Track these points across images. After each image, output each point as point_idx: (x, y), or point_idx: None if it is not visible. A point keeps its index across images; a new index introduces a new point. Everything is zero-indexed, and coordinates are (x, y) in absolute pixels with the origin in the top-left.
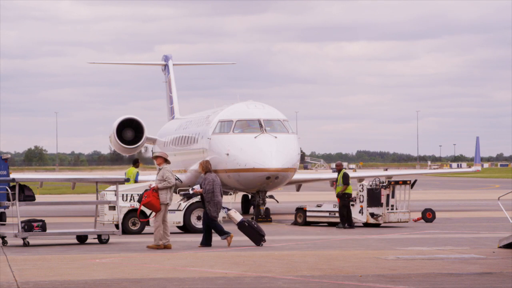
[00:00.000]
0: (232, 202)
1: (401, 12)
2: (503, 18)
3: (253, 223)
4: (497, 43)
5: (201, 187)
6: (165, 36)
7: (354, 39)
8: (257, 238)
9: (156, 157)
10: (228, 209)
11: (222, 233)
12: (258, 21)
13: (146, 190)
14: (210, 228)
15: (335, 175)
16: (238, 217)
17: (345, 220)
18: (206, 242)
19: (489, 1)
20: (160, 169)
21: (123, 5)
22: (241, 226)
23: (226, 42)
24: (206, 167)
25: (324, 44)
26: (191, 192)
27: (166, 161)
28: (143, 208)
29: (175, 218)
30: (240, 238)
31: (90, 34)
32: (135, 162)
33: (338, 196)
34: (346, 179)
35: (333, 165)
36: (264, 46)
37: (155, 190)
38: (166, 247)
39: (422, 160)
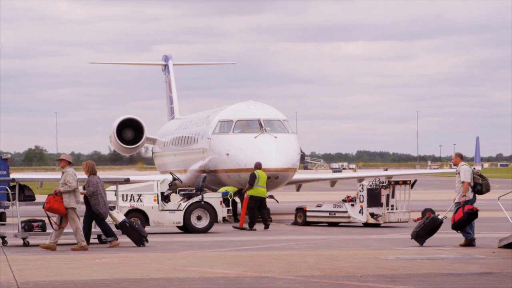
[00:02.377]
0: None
1: (400, 12)
2: (501, 18)
3: (134, 223)
4: (495, 43)
5: (84, 189)
6: (163, 36)
7: (352, 39)
8: (139, 238)
9: (60, 160)
10: (111, 209)
11: (109, 234)
12: (256, 21)
13: (49, 195)
14: (90, 227)
15: (335, 175)
16: (120, 217)
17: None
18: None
19: (487, 1)
20: (63, 173)
21: (121, 5)
22: (122, 226)
23: (224, 42)
24: (91, 169)
25: (323, 44)
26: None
27: (70, 164)
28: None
29: (175, 218)
30: (240, 238)
31: (88, 34)
32: None
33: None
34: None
35: (333, 165)
36: (262, 46)
37: (57, 194)
38: (83, 248)
39: (422, 160)
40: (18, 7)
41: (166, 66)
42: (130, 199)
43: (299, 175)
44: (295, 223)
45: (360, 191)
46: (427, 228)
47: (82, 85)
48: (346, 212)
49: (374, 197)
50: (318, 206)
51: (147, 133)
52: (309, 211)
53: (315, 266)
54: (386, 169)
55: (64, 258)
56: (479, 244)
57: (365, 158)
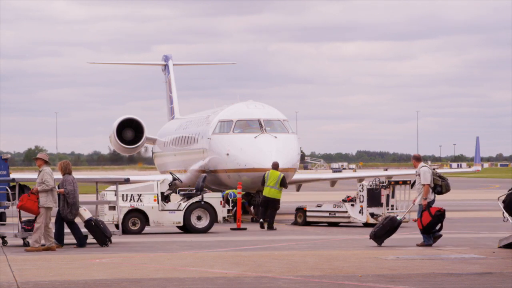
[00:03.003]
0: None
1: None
2: (499, 18)
3: (100, 223)
4: (493, 44)
5: (59, 187)
6: (162, 36)
7: (352, 39)
8: (102, 238)
9: (36, 159)
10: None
11: (58, 239)
12: (255, 21)
13: (23, 194)
14: (63, 227)
15: (335, 175)
16: (87, 215)
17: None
18: (59, 241)
19: (485, 2)
20: (40, 171)
21: (120, 5)
22: (87, 225)
23: (224, 42)
24: (65, 168)
25: (323, 44)
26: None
27: (47, 163)
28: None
29: (175, 218)
30: (240, 238)
31: (87, 34)
32: None
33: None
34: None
35: (333, 165)
36: (261, 46)
37: (33, 193)
38: (50, 248)
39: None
40: (17, 7)
41: (166, 66)
42: (130, 199)
43: (299, 175)
44: (295, 223)
45: (360, 191)
46: (385, 228)
47: (81, 85)
48: (346, 212)
49: (374, 197)
50: (318, 206)
51: (147, 133)
52: (309, 211)
53: (315, 266)
54: (386, 169)
55: (64, 258)
56: (479, 244)
57: (365, 158)
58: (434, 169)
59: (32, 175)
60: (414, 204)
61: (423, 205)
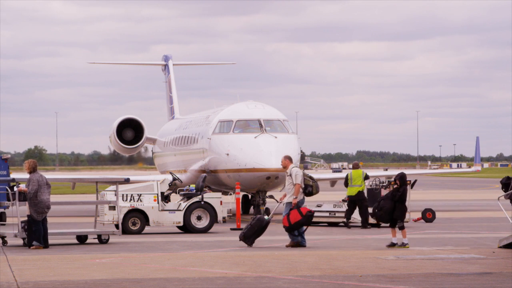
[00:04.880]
0: (232, 202)
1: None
2: (496, 19)
3: (26, 227)
4: (491, 44)
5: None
6: (159, 36)
7: (351, 39)
8: (29, 239)
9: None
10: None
11: (37, 240)
12: (252, 22)
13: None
14: (45, 228)
15: (335, 175)
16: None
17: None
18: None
19: (482, 2)
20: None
21: (116, 6)
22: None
23: (221, 42)
24: (31, 167)
25: (322, 44)
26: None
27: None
28: None
29: (175, 218)
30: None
31: (84, 34)
32: None
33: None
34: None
35: (333, 165)
36: (258, 47)
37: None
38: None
39: (422, 160)
40: (14, 8)
41: (166, 66)
42: (130, 199)
43: None
44: None
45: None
46: (253, 228)
47: (80, 85)
48: None
49: (374, 197)
50: (318, 206)
51: (147, 133)
52: None
53: (315, 266)
54: (386, 169)
55: (64, 258)
56: (479, 244)
57: (365, 158)
58: (304, 170)
59: None
60: (280, 202)
61: (292, 204)
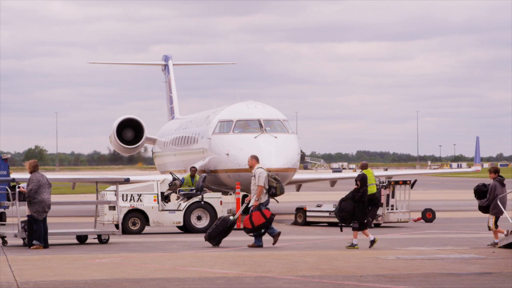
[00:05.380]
0: (232, 202)
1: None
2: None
3: (26, 227)
4: (490, 44)
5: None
6: (159, 36)
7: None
8: (29, 239)
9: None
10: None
11: (38, 239)
12: (251, 22)
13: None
14: (45, 227)
15: (335, 175)
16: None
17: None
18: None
19: (481, 2)
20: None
21: (115, 6)
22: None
23: (220, 42)
24: (32, 167)
25: (322, 44)
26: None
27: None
28: None
29: (175, 218)
30: (240, 238)
31: (83, 34)
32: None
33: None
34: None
35: (333, 165)
36: (257, 47)
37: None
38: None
39: (422, 160)
40: (14, 8)
41: (166, 66)
42: (130, 199)
43: (299, 175)
44: (295, 223)
45: None
46: (218, 229)
47: (80, 86)
48: None
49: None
50: (318, 206)
51: (147, 133)
52: (309, 211)
53: (315, 266)
54: (386, 169)
55: (64, 258)
56: (479, 244)
57: (365, 158)
58: (269, 171)
59: None
60: (246, 203)
61: (253, 206)
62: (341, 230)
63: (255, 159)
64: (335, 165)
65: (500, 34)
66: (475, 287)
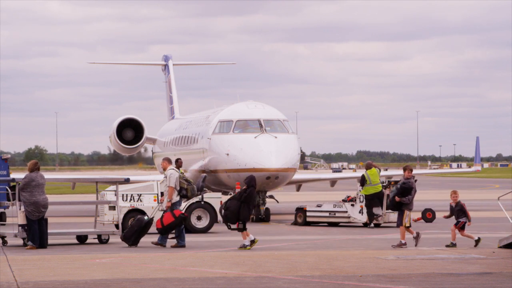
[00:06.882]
0: None
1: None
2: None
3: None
4: (489, 44)
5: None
6: (157, 37)
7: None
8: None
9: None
10: None
11: (32, 240)
12: (250, 22)
13: None
14: (36, 227)
15: (335, 175)
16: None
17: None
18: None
19: (480, 2)
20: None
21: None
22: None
23: (218, 43)
24: (29, 167)
25: (318, 45)
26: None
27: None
28: None
29: None
30: (240, 238)
31: (82, 34)
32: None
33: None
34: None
35: (333, 165)
36: (257, 47)
37: None
38: None
39: (422, 160)
40: (13, 8)
41: (166, 66)
42: (130, 199)
43: (299, 175)
44: (295, 223)
45: (360, 191)
46: (133, 229)
47: (79, 86)
48: (346, 212)
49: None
50: (318, 206)
51: (147, 133)
52: (309, 211)
53: (315, 266)
54: (386, 169)
55: (64, 258)
56: (479, 244)
57: (365, 158)
58: (182, 173)
59: None
60: (160, 204)
61: (166, 207)
62: (229, 228)
63: (167, 161)
64: (335, 165)
65: (500, 34)
66: (475, 287)
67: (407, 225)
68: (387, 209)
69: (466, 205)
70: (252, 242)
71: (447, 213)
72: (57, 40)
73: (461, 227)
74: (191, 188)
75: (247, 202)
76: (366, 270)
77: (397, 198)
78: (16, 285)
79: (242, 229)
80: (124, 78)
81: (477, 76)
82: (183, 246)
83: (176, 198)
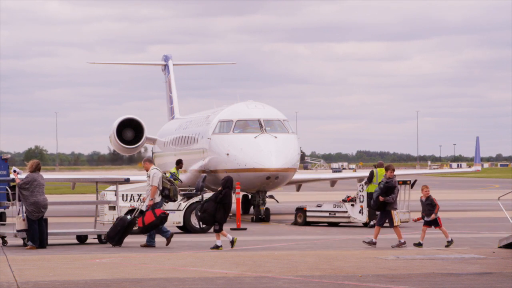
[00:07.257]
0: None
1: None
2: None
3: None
4: (489, 44)
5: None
6: (157, 37)
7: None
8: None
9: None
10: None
11: (32, 240)
12: (250, 22)
13: None
14: (35, 228)
15: (335, 175)
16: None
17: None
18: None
19: (480, 2)
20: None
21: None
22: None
23: (218, 43)
24: (31, 167)
25: (319, 45)
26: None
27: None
28: None
29: (175, 218)
30: (240, 238)
31: (82, 34)
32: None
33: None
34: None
35: (333, 165)
36: (257, 47)
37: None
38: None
39: (422, 160)
40: (13, 8)
41: (166, 66)
42: (130, 199)
43: (299, 175)
44: (295, 223)
45: (360, 191)
46: (116, 228)
47: (79, 86)
48: (346, 212)
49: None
50: (318, 206)
51: (147, 133)
52: (309, 211)
53: (315, 266)
54: None
55: (64, 258)
56: (479, 244)
57: (365, 158)
58: (165, 173)
59: None
60: (143, 202)
61: (148, 206)
62: (200, 228)
63: (148, 161)
64: (335, 165)
65: (500, 34)
66: (475, 287)
67: (396, 224)
68: (371, 209)
69: (466, 205)
70: (232, 242)
71: (419, 216)
72: (57, 40)
73: (436, 223)
74: (174, 189)
75: (222, 203)
76: (366, 270)
77: (381, 198)
78: (16, 285)
79: (218, 230)
80: (124, 78)
81: (477, 76)
82: (153, 246)
83: (158, 198)
